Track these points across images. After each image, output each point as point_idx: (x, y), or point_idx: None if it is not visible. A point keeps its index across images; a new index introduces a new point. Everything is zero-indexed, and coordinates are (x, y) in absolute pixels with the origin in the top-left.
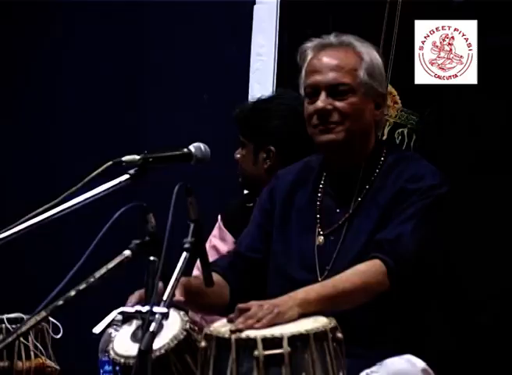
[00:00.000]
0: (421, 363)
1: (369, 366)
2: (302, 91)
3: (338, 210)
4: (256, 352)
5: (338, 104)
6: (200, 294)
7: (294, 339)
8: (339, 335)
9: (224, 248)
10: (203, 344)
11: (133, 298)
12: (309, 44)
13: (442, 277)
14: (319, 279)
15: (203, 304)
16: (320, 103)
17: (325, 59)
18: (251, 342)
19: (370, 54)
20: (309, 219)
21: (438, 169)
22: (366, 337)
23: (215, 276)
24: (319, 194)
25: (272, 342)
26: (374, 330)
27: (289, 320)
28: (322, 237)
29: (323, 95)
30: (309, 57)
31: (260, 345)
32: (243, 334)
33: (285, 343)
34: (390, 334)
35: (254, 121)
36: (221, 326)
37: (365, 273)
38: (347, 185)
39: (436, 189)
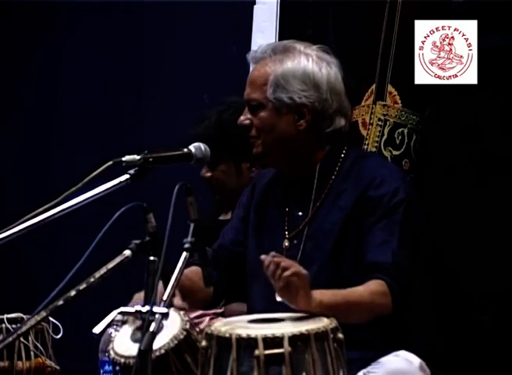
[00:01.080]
0: (417, 360)
1: (364, 366)
2: None
3: (300, 214)
4: (257, 352)
5: (253, 119)
6: (192, 290)
7: (295, 339)
8: (340, 335)
9: None
10: (203, 343)
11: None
12: (248, 58)
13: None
14: None
15: (190, 298)
16: (241, 117)
17: (249, 75)
18: (252, 342)
19: (285, 65)
20: (279, 222)
21: (393, 166)
22: (360, 339)
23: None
24: (286, 198)
25: (273, 342)
26: (369, 330)
27: (295, 310)
28: (288, 241)
29: (246, 110)
30: None
31: (261, 345)
32: (244, 334)
33: (286, 343)
34: (384, 334)
35: (228, 135)
36: (221, 326)
37: (374, 292)
38: (305, 190)
39: (400, 195)
